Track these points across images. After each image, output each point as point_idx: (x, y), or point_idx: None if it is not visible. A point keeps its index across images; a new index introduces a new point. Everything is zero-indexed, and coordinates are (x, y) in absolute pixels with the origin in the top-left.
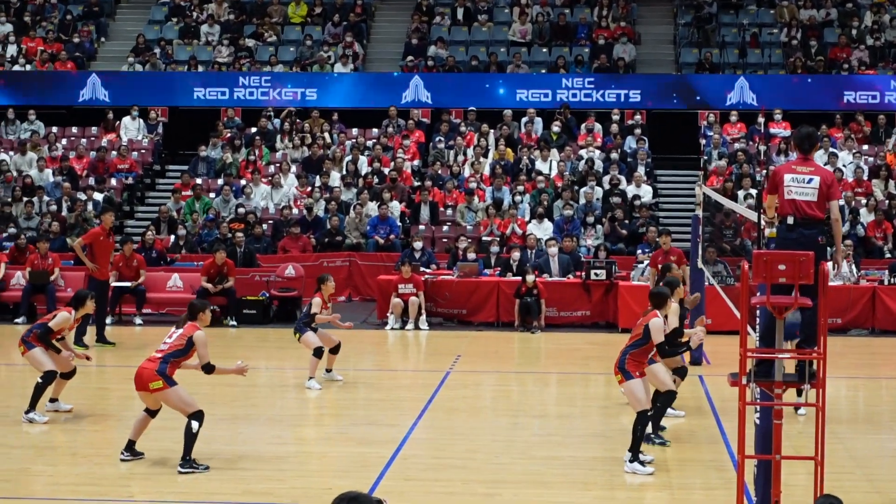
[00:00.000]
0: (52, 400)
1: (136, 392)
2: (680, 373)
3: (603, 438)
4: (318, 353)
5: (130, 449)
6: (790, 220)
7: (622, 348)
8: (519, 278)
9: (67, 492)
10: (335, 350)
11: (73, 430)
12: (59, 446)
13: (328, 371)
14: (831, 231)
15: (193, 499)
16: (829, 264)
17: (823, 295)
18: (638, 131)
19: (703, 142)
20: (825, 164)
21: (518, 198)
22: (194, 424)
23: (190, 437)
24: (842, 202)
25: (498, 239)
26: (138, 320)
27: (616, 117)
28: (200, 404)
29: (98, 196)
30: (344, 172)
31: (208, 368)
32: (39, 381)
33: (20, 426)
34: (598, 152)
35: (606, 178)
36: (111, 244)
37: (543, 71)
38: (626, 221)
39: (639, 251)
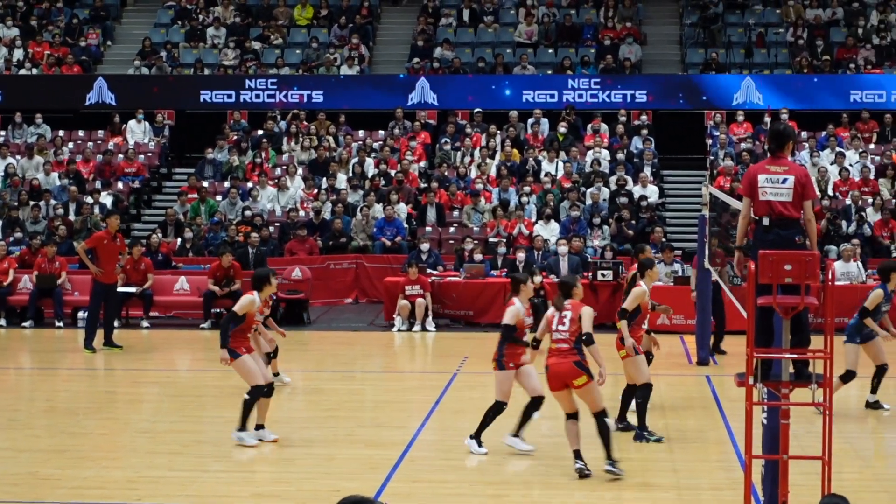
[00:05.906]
0: (259, 427)
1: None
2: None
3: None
4: None
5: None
6: (765, 222)
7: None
8: None
9: (72, 495)
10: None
11: (80, 434)
12: (67, 450)
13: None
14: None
15: (203, 502)
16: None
17: (828, 295)
18: (644, 131)
19: (709, 142)
20: (832, 164)
21: (524, 199)
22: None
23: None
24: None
25: (504, 240)
26: (145, 323)
27: (622, 118)
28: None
29: (105, 199)
30: (350, 174)
31: (588, 340)
32: (247, 397)
33: (29, 430)
34: (604, 153)
35: (613, 179)
36: (117, 247)
37: (549, 72)
38: (633, 222)
39: None
